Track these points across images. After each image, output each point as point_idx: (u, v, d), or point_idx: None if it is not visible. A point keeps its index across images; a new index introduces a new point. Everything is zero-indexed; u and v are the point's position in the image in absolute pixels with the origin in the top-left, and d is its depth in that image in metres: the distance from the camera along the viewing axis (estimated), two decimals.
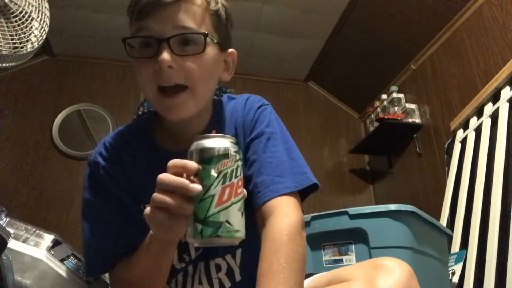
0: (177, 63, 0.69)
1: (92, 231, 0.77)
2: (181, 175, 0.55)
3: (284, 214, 0.69)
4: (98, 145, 0.83)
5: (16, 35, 1.58)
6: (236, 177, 0.57)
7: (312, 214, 1.50)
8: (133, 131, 0.85)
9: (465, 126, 2.25)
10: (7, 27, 1.56)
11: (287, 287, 0.60)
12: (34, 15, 1.64)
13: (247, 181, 0.78)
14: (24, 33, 1.61)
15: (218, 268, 0.81)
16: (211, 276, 0.81)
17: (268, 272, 0.62)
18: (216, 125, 0.82)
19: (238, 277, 0.81)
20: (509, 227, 1.63)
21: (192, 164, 0.55)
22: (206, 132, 0.72)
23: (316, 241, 1.57)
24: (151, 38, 0.69)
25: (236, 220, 0.55)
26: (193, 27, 0.71)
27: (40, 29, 1.69)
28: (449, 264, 1.76)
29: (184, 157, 0.60)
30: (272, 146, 0.79)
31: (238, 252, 0.82)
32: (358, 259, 1.49)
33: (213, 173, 0.55)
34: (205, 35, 0.71)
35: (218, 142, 0.57)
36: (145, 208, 0.79)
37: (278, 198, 0.72)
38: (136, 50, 0.72)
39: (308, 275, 0.79)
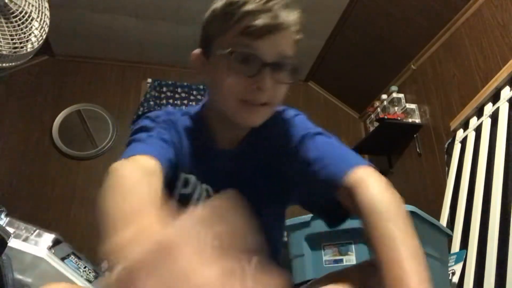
0: (272, 88, 0.72)
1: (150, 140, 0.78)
2: None
3: (376, 181, 0.68)
4: (166, 113, 0.86)
5: (16, 35, 1.58)
6: None
7: (312, 214, 1.50)
8: (188, 121, 0.86)
9: (465, 126, 2.25)
10: (7, 27, 1.56)
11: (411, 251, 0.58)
12: (34, 15, 1.64)
13: (306, 175, 0.77)
14: (24, 33, 1.61)
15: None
16: None
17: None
18: (261, 131, 0.82)
19: None
20: (509, 227, 1.63)
21: None
22: (252, 133, 0.82)
23: (316, 241, 1.57)
24: (257, 58, 0.70)
25: None
26: (291, 56, 0.74)
27: (40, 29, 1.69)
28: (449, 264, 1.76)
29: (232, 156, 0.69)
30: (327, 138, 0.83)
31: (253, 260, 0.80)
32: (358, 259, 1.49)
33: None
34: (299, 68, 0.75)
35: None
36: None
37: (361, 169, 0.71)
38: (231, 61, 0.71)
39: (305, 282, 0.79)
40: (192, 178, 0.82)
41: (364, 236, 0.64)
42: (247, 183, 0.82)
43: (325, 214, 0.85)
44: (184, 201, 0.81)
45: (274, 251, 0.88)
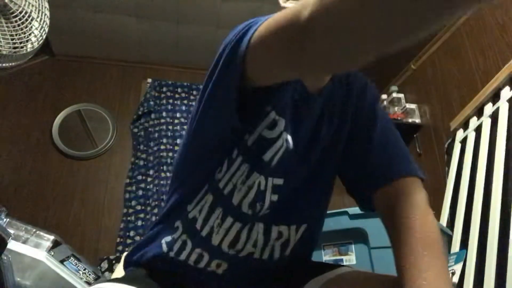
0: None
1: None
2: None
3: (413, 195, 0.70)
4: None
5: (16, 35, 1.58)
6: None
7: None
8: None
9: (465, 126, 2.25)
10: (7, 27, 1.56)
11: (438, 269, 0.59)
12: (34, 15, 1.64)
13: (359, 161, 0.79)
14: (24, 33, 1.61)
15: (279, 235, 0.77)
16: (268, 240, 0.76)
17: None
18: (342, 83, 0.81)
19: (288, 252, 0.79)
20: (509, 227, 1.63)
21: None
22: (334, 81, 0.77)
23: None
24: None
25: None
26: None
27: (40, 29, 1.69)
28: (449, 264, 1.76)
29: (319, 102, 0.67)
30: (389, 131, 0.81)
31: (303, 227, 0.80)
32: (358, 259, 1.49)
33: None
34: None
35: None
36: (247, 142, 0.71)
37: (409, 179, 0.73)
38: None
39: (333, 265, 0.79)
40: (282, 122, 0.71)
41: (392, 249, 0.64)
42: (324, 149, 0.79)
43: (358, 196, 0.85)
44: (262, 145, 0.71)
45: (321, 220, 0.88)
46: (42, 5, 1.69)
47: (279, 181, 0.74)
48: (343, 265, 0.79)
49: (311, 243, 0.86)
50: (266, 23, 0.54)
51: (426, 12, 0.35)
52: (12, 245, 0.98)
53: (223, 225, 0.73)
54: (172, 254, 0.75)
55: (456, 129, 2.31)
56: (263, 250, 0.76)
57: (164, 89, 3.14)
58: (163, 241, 0.77)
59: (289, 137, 0.73)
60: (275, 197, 0.74)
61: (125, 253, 1.64)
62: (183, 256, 0.75)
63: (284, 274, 0.80)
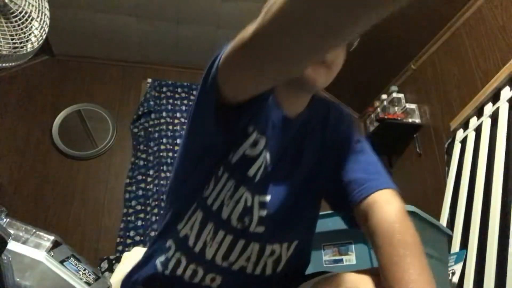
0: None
1: None
2: None
3: (390, 203, 0.73)
4: None
5: (16, 35, 1.58)
6: None
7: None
8: None
9: (465, 126, 2.25)
10: (7, 27, 1.56)
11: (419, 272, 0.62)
12: (34, 15, 1.64)
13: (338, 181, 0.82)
14: (24, 33, 1.61)
15: (272, 252, 0.80)
16: (261, 257, 0.79)
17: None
18: (319, 109, 0.87)
19: (279, 268, 0.81)
20: (509, 227, 1.63)
21: None
22: (312, 106, 0.84)
23: (316, 241, 1.57)
24: None
25: None
26: None
27: (40, 29, 1.69)
28: (449, 264, 1.76)
29: (297, 125, 0.71)
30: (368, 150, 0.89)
31: (294, 244, 0.82)
32: (358, 259, 1.49)
33: None
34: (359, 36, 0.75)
35: None
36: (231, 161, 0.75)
37: (383, 191, 0.76)
38: None
39: (318, 273, 0.80)
40: (263, 141, 0.76)
41: (377, 259, 0.67)
42: (308, 171, 0.83)
43: (345, 214, 0.87)
44: (246, 163, 0.75)
45: (311, 236, 0.91)
46: (42, 5, 1.69)
47: (266, 198, 0.78)
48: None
49: (302, 258, 0.89)
50: (230, 45, 0.62)
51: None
52: (12, 245, 0.97)
53: (215, 239, 0.76)
54: (167, 272, 0.78)
55: (456, 129, 2.31)
56: (255, 266, 0.79)
57: (164, 89, 3.14)
58: (157, 262, 0.80)
59: (268, 156, 0.77)
60: (263, 212, 0.77)
61: (125, 253, 1.64)
62: (178, 272, 0.78)
63: (277, 287, 0.82)
